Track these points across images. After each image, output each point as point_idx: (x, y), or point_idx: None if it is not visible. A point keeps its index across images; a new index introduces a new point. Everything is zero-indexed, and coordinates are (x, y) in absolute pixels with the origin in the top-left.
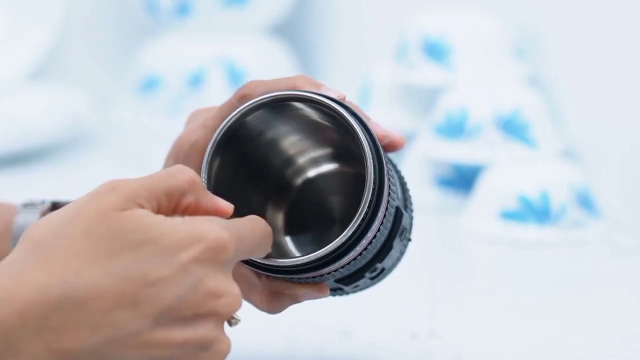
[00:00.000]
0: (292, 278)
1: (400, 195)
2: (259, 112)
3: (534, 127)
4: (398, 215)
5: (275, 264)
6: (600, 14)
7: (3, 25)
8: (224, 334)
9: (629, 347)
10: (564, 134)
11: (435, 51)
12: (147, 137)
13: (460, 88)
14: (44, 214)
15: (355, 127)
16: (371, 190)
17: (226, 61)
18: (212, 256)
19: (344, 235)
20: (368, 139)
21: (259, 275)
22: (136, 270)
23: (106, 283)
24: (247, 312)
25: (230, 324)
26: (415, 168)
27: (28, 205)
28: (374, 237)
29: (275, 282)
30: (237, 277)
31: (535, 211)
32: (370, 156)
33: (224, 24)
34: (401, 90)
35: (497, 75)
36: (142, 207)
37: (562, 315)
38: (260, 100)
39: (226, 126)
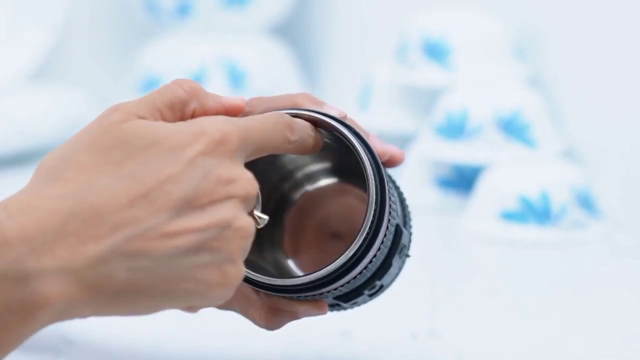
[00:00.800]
0: (291, 296)
1: (400, 212)
2: None
3: (534, 128)
4: (398, 233)
5: (275, 283)
6: (600, 14)
7: (3, 26)
8: (243, 213)
9: (629, 347)
10: (564, 135)
11: (435, 51)
12: None
13: (460, 88)
14: None
15: (357, 146)
16: (373, 210)
17: (227, 61)
18: (217, 147)
19: (345, 256)
20: (370, 158)
21: (257, 292)
22: (146, 171)
23: (118, 186)
24: None
25: (257, 223)
26: (415, 168)
27: None
28: (375, 256)
29: (273, 299)
30: (235, 294)
31: (536, 211)
32: (372, 177)
33: (225, 24)
34: (401, 90)
35: (497, 76)
36: (144, 119)
37: (562, 316)
38: None
39: None
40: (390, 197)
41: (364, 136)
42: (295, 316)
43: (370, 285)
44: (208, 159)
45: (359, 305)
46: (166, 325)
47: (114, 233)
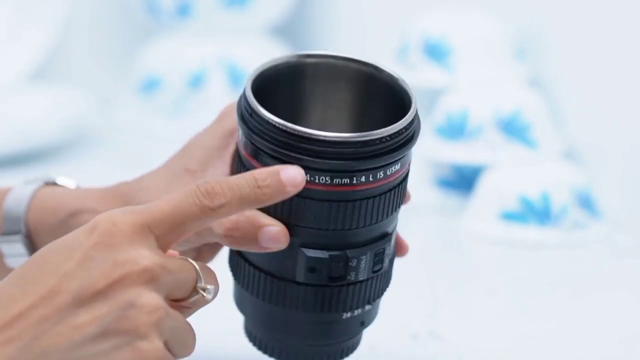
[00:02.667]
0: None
1: (392, 242)
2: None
3: (535, 128)
4: (384, 237)
5: (298, 131)
6: (600, 14)
7: (4, 26)
8: (146, 290)
9: (630, 347)
10: (564, 135)
11: (435, 52)
12: (148, 137)
13: (460, 89)
14: (36, 192)
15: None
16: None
17: (227, 62)
18: (110, 236)
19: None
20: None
21: None
22: (45, 272)
23: (21, 291)
24: None
25: (204, 295)
26: (415, 169)
27: (32, 181)
28: (361, 199)
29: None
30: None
31: (536, 212)
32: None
33: (225, 24)
34: None
35: (497, 76)
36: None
37: (562, 316)
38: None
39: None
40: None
41: None
42: (254, 236)
43: (336, 255)
44: (102, 248)
45: (315, 280)
46: None
47: (21, 335)
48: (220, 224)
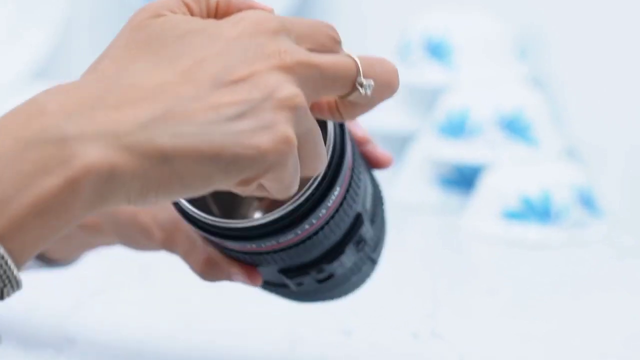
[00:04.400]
0: (229, 251)
1: (367, 206)
2: None
3: (536, 127)
4: (357, 222)
5: (207, 220)
6: (602, 14)
7: (4, 26)
8: (288, 84)
9: (630, 346)
10: (565, 134)
11: (437, 51)
12: None
13: (462, 88)
14: None
15: (328, 122)
16: (323, 172)
17: None
18: (257, 28)
19: (283, 209)
20: (337, 130)
21: (203, 239)
22: (183, 53)
23: (156, 67)
24: (250, 313)
25: (362, 90)
26: (416, 167)
27: None
28: (321, 228)
29: (212, 250)
30: (181, 237)
31: (537, 211)
32: (332, 141)
33: None
34: (403, 89)
35: (499, 75)
36: (175, 14)
37: (563, 315)
38: None
39: None
40: (353, 180)
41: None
42: (228, 276)
43: (317, 267)
44: (248, 38)
45: (307, 292)
46: (168, 324)
47: (153, 103)
48: (197, 262)
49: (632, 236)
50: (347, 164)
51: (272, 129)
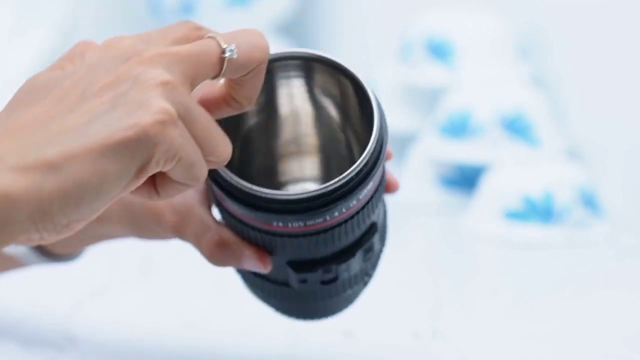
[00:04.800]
0: (247, 230)
1: (380, 220)
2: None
3: (538, 127)
4: (372, 230)
5: (244, 187)
6: (604, 14)
7: (8, 26)
8: (148, 68)
9: (632, 346)
10: (567, 134)
11: (438, 51)
12: None
13: (463, 88)
14: None
15: (368, 91)
16: (373, 148)
17: None
18: (114, 46)
19: (322, 188)
20: (382, 120)
21: (216, 223)
22: (55, 87)
23: (34, 104)
24: (250, 313)
25: (227, 54)
26: (418, 167)
27: None
28: (346, 220)
29: (225, 232)
30: (193, 221)
31: (539, 211)
32: (378, 129)
33: (228, 23)
34: (404, 89)
35: (500, 75)
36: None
37: (565, 315)
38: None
39: None
40: (382, 184)
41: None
42: (238, 260)
43: (326, 265)
44: (107, 56)
45: (306, 291)
46: (168, 324)
47: (33, 127)
48: (208, 244)
49: (634, 236)
50: (383, 161)
51: (146, 106)
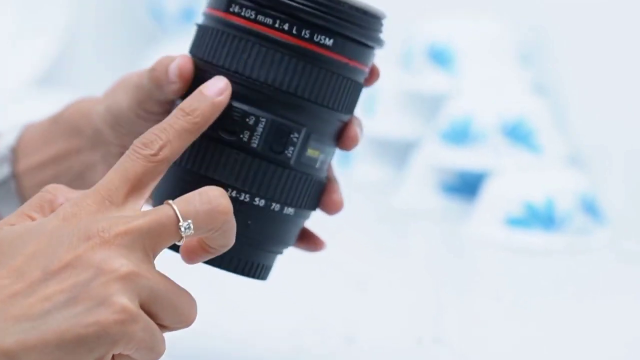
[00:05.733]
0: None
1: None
2: None
3: (539, 133)
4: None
5: None
6: (605, 20)
7: (10, 32)
8: (114, 258)
9: (634, 352)
10: (569, 140)
11: (440, 57)
12: None
13: (465, 94)
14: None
15: None
16: None
17: None
18: (77, 212)
19: None
20: None
21: None
22: (15, 252)
23: None
24: (253, 319)
25: (184, 228)
26: (420, 174)
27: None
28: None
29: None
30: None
31: (540, 217)
32: None
33: None
34: (406, 96)
35: (501, 82)
36: (13, 225)
37: (567, 321)
38: None
39: None
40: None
41: None
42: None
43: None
44: (66, 226)
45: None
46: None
47: None
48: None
49: (635, 242)
50: None
51: (107, 303)
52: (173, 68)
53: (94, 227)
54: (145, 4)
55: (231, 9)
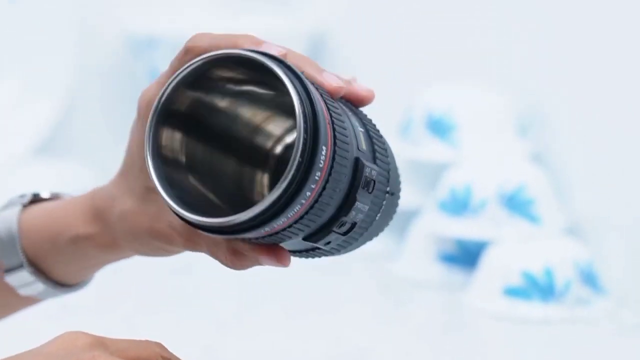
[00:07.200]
0: (242, 238)
1: (363, 147)
2: (204, 72)
3: (538, 203)
4: (358, 167)
5: (211, 223)
6: (602, 91)
7: (10, 99)
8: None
9: None
10: (567, 210)
11: (439, 127)
12: None
13: (464, 164)
14: (25, 206)
15: (283, 77)
16: (302, 140)
17: None
18: (73, 342)
19: (278, 188)
20: (300, 89)
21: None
22: None
23: None
24: (264, 336)
25: None
26: (419, 243)
27: (8, 205)
28: (323, 189)
29: (235, 243)
30: (201, 236)
31: (540, 288)
32: (301, 107)
33: None
34: (405, 165)
35: (501, 152)
36: None
37: None
38: (199, 60)
39: (165, 94)
40: (337, 131)
41: (302, 70)
42: (256, 262)
43: (337, 222)
44: (64, 351)
45: (337, 246)
46: (170, 326)
47: None
48: (224, 255)
49: (634, 314)
50: (324, 121)
51: None
52: None
53: (88, 357)
54: (146, 68)
55: None
